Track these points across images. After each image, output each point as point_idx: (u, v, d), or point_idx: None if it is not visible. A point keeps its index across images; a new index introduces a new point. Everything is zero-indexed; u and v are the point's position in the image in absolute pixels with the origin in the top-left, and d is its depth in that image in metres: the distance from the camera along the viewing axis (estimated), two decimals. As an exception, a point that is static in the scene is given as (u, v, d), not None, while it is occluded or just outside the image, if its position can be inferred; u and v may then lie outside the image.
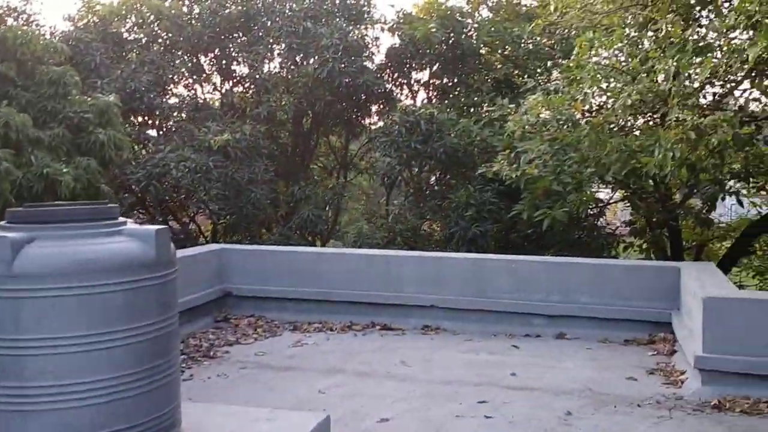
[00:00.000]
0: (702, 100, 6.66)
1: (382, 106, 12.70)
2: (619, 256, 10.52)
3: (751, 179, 8.56)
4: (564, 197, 8.23)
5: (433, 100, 11.97)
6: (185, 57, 12.89)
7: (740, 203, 9.00)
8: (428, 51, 11.74)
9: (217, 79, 13.39)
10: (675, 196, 11.68)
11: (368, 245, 9.33)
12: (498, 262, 6.71)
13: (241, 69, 12.92)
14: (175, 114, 12.36)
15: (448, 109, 10.35)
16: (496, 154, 8.58)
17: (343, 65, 10.98)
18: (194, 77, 13.12)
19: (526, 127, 7.53)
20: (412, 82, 12.76)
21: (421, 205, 9.84)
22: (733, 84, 7.02)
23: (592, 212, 10.85)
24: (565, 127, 7.31)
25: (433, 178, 10.74)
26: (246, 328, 6.71)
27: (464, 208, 8.98)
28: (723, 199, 8.76)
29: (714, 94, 7.07)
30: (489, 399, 4.68)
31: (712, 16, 6.27)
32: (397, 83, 12.86)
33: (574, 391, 4.83)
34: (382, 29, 12.73)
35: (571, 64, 7.20)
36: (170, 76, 12.37)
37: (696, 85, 6.66)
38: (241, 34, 12.72)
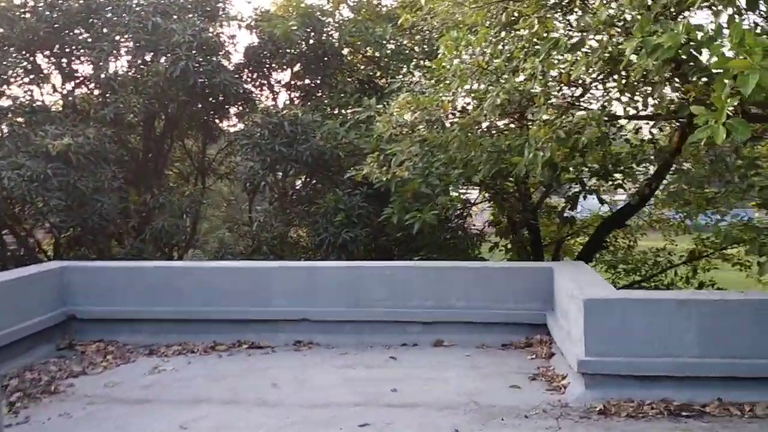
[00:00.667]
0: (562, 100, 6.68)
1: (241, 108, 12.04)
2: (488, 258, 10.55)
3: (609, 177, 8.78)
4: (433, 199, 8.04)
5: (296, 101, 11.49)
6: (19, 55, 11.60)
7: (601, 201, 9.22)
8: (289, 50, 11.25)
9: (56, 79, 12.17)
10: (534, 196, 11.93)
11: (231, 256, 8.71)
12: (372, 270, 6.36)
13: (84, 68, 11.79)
14: (8, 116, 11.07)
15: (313, 111, 9.92)
16: (364, 156, 8.26)
17: (197, 64, 10.23)
18: (30, 77, 11.84)
19: (395, 128, 7.27)
20: (273, 82, 12.21)
21: (288, 211, 9.34)
22: (595, 82, 7.10)
23: (458, 213, 10.83)
24: (434, 128, 7.10)
25: (300, 183, 10.25)
26: (94, 355, 5.94)
27: (333, 213, 8.58)
28: (584, 197, 8.93)
29: (571, 94, 7.11)
30: (371, 421, 4.29)
31: (580, 13, 6.25)
32: (257, 84, 12.25)
33: (459, 405, 4.55)
34: (239, 26, 12.06)
35: (434, 65, 7.01)
36: (1, 75, 11.06)
37: (557, 85, 6.67)
38: (82, 30, 11.60)
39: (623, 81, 6.36)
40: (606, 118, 6.93)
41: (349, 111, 9.49)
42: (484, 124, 6.97)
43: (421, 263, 7.10)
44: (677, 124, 8.64)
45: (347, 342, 6.10)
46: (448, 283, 6.17)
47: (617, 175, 9.16)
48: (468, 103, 7.01)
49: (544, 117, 6.03)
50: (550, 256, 12.63)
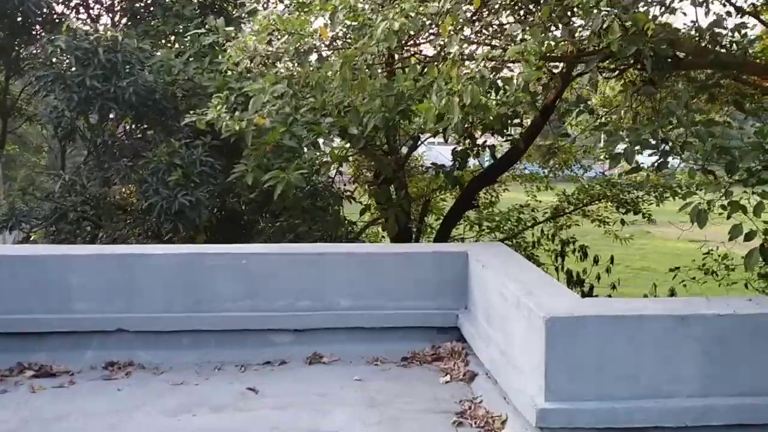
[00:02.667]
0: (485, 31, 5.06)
1: (49, 33, 9.39)
2: (361, 223, 8.90)
3: (504, 131, 7.32)
4: (299, 154, 6.22)
5: (120, 26, 9.01)
6: None
7: (494, 157, 7.82)
8: (110, -39, 8.75)
9: None
10: (402, 150, 10.40)
11: (26, 226, 6.41)
12: (220, 257, 4.43)
13: None
14: None
15: (141, 37, 7.60)
16: (208, 97, 6.21)
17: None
18: None
19: (252, 59, 5.31)
20: (91, 2, 9.62)
21: (106, 166, 7.07)
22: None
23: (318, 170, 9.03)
24: (306, 61, 5.23)
25: (122, 130, 7.94)
26: None
27: (167, 170, 6.46)
28: (477, 155, 7.46)
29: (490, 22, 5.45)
30: None
31: None
32: (70, 4, 9.62)
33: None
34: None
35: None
36: None
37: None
38: None
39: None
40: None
41: (187, 38, 7.27)
42: (380, 56, 5.21)
43: (288, 247, 5.23)
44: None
45: (185, 361, 4.19)
46: (328, 273, 4.41)
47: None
48: (353, 28, 5.18)
49: (453, 49, 4.37)
50: (419, 212, 11.20)
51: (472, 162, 8.95)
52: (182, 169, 6.49)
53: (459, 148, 7.38)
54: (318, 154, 6.33)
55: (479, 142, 7.57)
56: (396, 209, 8.03)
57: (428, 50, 6.22)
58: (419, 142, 10.79)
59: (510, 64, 5.00)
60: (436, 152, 15.77)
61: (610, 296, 12.67)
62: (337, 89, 5.08)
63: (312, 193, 7.50)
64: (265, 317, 4.31)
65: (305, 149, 6.29)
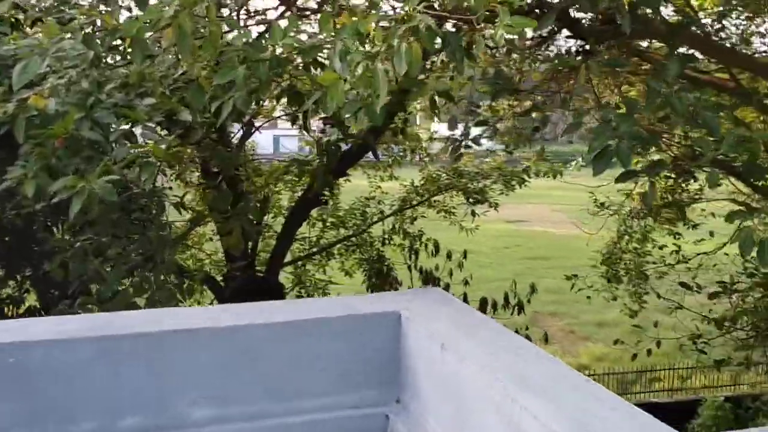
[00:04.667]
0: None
1: None
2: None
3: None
4: (104, 151, 4.24)
5: None
6: None
7: (376, 156, 6.21)
8: None
9: None
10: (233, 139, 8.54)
11: None
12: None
13: None
14: None
15: None
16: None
17: None
18: None
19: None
20: None
21: None
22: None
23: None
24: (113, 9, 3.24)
25: None
26: None
27: None
28: (361, 149, 5.81)
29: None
30: None
31: None
32: None
33: None
34: None
35: None
36: None
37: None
38: None
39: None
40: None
41: None
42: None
43: (92, 322, 3.07)
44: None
45: None
46: (168, 365, 2.54)
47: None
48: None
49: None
50: (260, 215, 9.37)
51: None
52: None
53: (328, 138, 5.68)
54: (134, 151, 4.35)
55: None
56: (241, 218, 6.17)
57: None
58: (254, 129, 8.93)
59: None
60: (266, 138, 13.88)
61: (465, 295, 11.69)
62: (169, 51, 3.17)
63: (127, 203, 5.42)
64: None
65: (114, 144, 4.32)
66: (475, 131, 4.78)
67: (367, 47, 2.53)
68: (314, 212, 11.16)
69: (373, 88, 2.44)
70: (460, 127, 4.77)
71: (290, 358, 2.58)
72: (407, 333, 2.65)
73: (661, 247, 12.49)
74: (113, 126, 4.19)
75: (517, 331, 10.74)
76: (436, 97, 3.99)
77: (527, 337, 11.38)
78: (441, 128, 13.05)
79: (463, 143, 4.79)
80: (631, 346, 19.16)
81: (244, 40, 3.01)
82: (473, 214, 12.58)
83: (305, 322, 2.61)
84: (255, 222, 7.81)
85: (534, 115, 4.74)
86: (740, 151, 2.71)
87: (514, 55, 4.85)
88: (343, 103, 2.58)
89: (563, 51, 4.55)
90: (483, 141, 6.02)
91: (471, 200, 12.55)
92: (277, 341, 2.57)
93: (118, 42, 4.29)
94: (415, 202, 12.77)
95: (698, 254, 9.34)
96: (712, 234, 9.27)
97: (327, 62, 3.32)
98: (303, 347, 2.60)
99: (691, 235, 9.75)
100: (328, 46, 2.74)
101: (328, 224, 12.06)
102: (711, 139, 2.81)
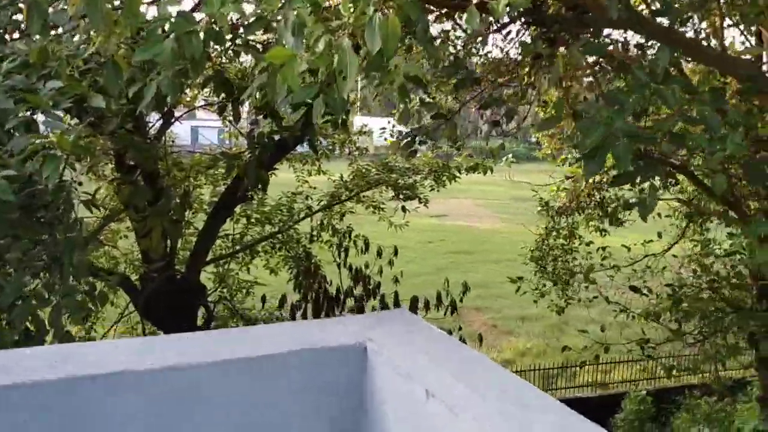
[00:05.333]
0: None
1: None
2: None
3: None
4: (2, 141, 3.59)
5: None
6: None
7: (314, 149, 5.67)
8: None
9: None
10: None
11: None
12: None
13: None
14: None
15: None
16: None
17: None
18: None
19: None
20: None
21: None
22: None
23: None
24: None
25: None
26: None
27: None
28: (300, 141, 5.27)
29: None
30: None
31: None
32: None
33: None
34: None
35: None
36: None
37: None
38: None
39: None
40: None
41: None
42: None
43: None
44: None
45: None
46: (98, 420, 1.98)
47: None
48: None
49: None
50: (181, 212, 8.67)
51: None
52: None
53: (260, 130, 5.12)
54: (37, 141, 3.68)
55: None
56: (162, 217, 5.52)
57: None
58: (174, 119, 8.23)
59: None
60: (184, 129, 13.16)
61: (396, 294, 11.33)
62: (78, 23, 2.58)
63: (28, 200, 4.69)
64: None
65: (15, 132, 3.69)
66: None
67: (333, 24, 2.04)
68: (238, 208, 10.51)
69: (339, 68, 1.96)
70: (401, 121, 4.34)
71: (239, 403, 2.07)
72: (374, 369, 2.18)
73: (588, 244, 12.51)
74: (11, 113, 3.54)
75: (450, 332, 10.48)
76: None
77: (462, 339, 11.14)
78: (371, 122, 12.61)
79: (417, 138, 4.35)
80: (556, 340, 19.38)
81: (170, 8, 2.46)
82: (404, 210, 12.23)
83: (256, 360, 2.09)
84: (176, 220, 7.14)
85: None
86: (742, 151, 2.41)
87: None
88: (298, 86, 2.08)
89: (522, 38, 4.19)
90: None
91: (401, 196, 12.20)
92: (224, 383, 2.05)
93: (19, 17, 3.64)
94: (344, 198, 12.29)
95: (646, 255, 9.29)
96: (660, 235, 9.25)
97: (266, 43, 2.82)
98: (253, 390, 2.09)
99: (639, 235, 9.71)
100: (279, 17, 2.23)
101: (252, 220, 11.42)
102: (707, 137, 2.49)
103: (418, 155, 12.97)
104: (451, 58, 5.12)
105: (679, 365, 9.47)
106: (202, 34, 2.44)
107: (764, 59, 5.09)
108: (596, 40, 3.64)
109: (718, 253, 9.97)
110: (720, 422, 11.47)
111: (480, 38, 3.79)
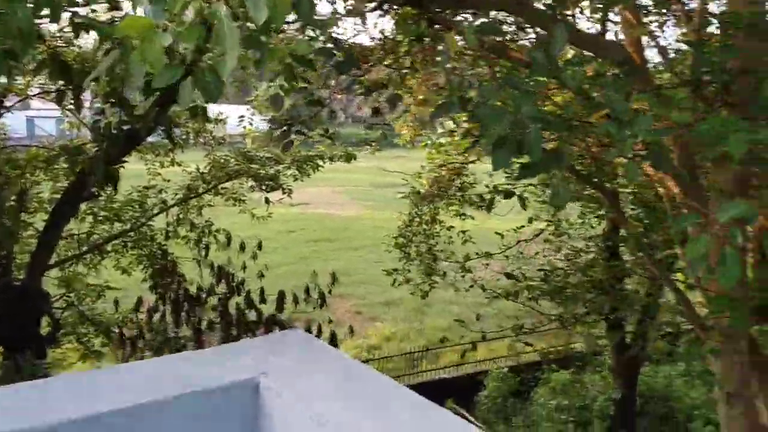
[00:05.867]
0: None
1: None
2: None
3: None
4: None
5: None
6: None
7: (172, 140, 5.07)
8: None
9: None
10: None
11: None
12: None
13: None
14: None
15: None
16: None
17: None
18: None
19: None
20: None
21: None
22: None
23: None
24: None
25: None
26: None
27: None
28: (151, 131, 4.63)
29: None
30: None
31: None
32: None
33: None
34: None
35: None
36: None
37: None
38: None
39: None
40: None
41: None
42: None
43: None
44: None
45: None
46: None
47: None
48: None
49: None
50: (15, 214, 7.68)
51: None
52: None
53: (107, 120, 4.47)
54: None
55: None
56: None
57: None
58: (4, 109, 7.27)
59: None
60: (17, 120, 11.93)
61: (262, 289, 10.84)
62: None
63: None
64: None
65: None
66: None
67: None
68: (84, 205, 9.53)
69: (216, 42, 1.55)
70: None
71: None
72: (268, 407, 1.80)
73: (449, 228, 12.62)
74: None
75: (320, 327, 10.04)
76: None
77: (332, 334, 10.86)
78: (225, 109, 11.92)
79: (294, 128, 3.93)
80: (419, 323, 19.63)
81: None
82: (267, 201, 11.72)
83: (129, 411, 1.64)
84: (10, 222, 6.24)
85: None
86: (652, 137, 2.26)
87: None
88: (162, 65, 1.65)
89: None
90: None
91: (264, 187, 11.68)
92: None
93: None
94: (201, 190, 11.56)
95: (519, 242, 9.40)
96: (531, 221, 9.39)
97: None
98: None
99: (511, 222, 9.81)
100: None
101: (99, 218, 10.43)
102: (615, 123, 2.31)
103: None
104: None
105: (541, 340, 9.75)
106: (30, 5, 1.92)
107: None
108: (480, 22, 3.44)
109: (572, 233, 10.37)
110: (576, 392, 12.03)
111: (359, 16, 3.45)
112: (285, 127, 3.92)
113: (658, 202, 6.01)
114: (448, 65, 3.82)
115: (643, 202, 7.31)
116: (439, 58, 3.53)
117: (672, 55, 4.93)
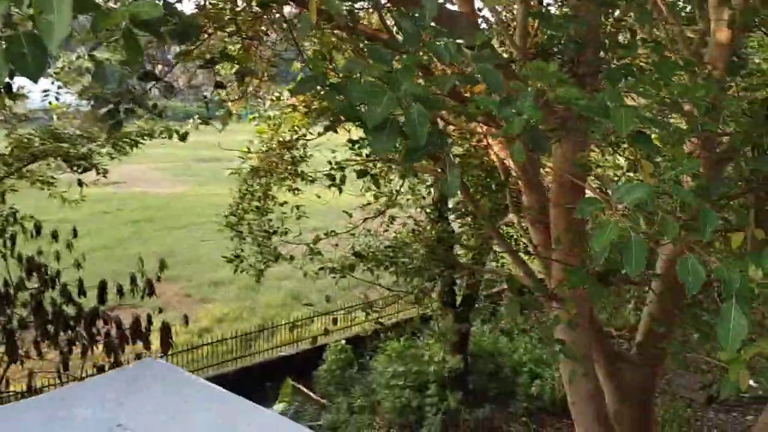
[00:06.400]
0: None
1: None
2: None
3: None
4: None
5: None
6: None
7: None
8: None
9: None
10: None
11: None
12: None
13: None
14: None
15: None
16: None
17: None
18: None
19: None
20: None
21: None
22: None
23: None
24: None
25: None
26: None
27: None
28: None
29: None
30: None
31: None
32: None
33: None
34: None
35: None
36: None
37: None
38: None
39: None
40: None
41: None
42: None
43: None
44: None
45: None
46: None
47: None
48: None
49: None
50: None
51: None
52: None
53: None
54: None
55: None
56: None
57: None
58: None
59: None
60: None
61: (81, 281, 9.80)
62: None
63: None
64: None
65: None
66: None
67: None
68: None
69: (40, 4, 1.13)
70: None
71: None
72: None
73: (282, 204, 12.28)
74: None
75: (150, 318, 9.29)
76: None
77: (166, 326, 10.08)
78: (29, 83, 10.56)
79: (123, 106, 3.36)
80: (252, 301, 19.08)
81: None
82: (80, 184, 10.60)
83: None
84: None
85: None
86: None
87: None
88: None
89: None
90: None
91: (75, 168, 10.53)
92: None
93: None
94: (2, 174, 10.20)
95: (365, 219, 9.21)
96: (376, 198, 9.22)
97: None
98: None
99: (361, 198, 9.55)
100: None
101: None
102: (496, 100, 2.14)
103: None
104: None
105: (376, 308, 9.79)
106: None
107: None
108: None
109: (403, 204, 10.46)
110: (412, 358, 12.32)
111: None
112: (112, 105, 3.36)
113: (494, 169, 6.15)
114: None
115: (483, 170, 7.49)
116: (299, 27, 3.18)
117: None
